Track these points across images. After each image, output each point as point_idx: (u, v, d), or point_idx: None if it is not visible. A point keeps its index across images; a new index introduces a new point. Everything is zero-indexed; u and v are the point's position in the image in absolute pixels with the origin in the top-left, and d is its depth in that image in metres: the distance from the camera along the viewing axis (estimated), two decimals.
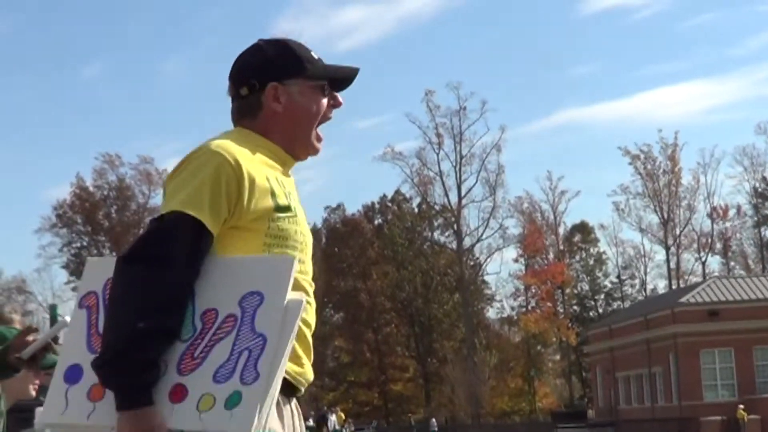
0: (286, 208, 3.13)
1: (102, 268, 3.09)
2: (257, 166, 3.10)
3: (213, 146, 3.07)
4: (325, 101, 3.29)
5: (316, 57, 3.29)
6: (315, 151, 3.34)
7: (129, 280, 2.87)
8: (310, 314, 3.15)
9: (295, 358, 3.05)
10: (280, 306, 2.89)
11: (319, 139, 3.33)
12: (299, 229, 3.16)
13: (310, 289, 3.19)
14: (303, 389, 3.16)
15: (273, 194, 3.10)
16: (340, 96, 3.34)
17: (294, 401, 3.17)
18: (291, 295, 2.92)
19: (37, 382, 4.61)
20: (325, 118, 3.31)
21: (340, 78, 3.33)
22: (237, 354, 2.85)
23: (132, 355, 2.80)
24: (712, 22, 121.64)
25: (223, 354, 2.86)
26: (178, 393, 2.85)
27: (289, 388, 3.05)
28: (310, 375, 3.16)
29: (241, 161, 3.04)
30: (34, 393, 4.62)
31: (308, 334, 3.14)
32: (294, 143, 3.28)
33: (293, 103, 3.23)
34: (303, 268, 3.15)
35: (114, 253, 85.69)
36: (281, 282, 2.91)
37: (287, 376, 3.00)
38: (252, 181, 3.04)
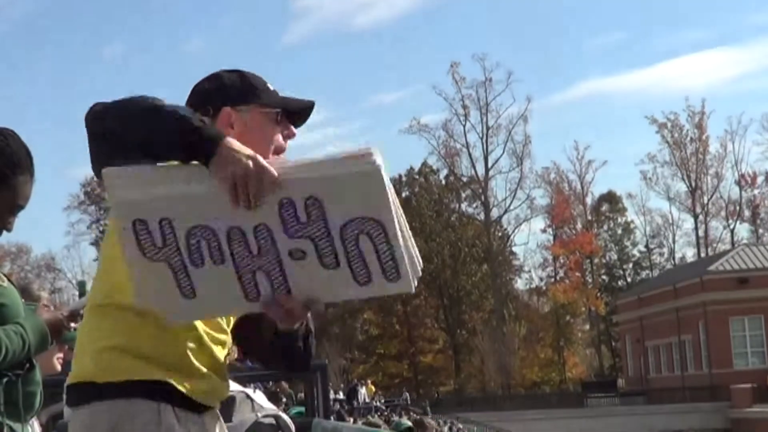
0: None
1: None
2: None
3: None
4: (278, 129, 3.19)
5: (271, 88, 3.22)
6: None
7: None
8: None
9: (188, 371, 3.00)
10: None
11: None
12: None
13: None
14: (214, 404, 3.11)
15: None
16: (293, 128, 3.24)
17: (211, 413, 3.11)
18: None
19: (61, 355, 4.59)
20: (279, 148, 3.19)
21: (294, 109, 3.23)
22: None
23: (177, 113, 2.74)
24: None
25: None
26: None
27: (190, 405, 2.99)
28: (208, 387, 3.06)
29: None
30: (59, 367, 4.58)
31: (206, 339, 3.06)
32: None
33: (246, 130, 3.12)
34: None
35: None
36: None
37: (185, 391, 2.96)
38: None
